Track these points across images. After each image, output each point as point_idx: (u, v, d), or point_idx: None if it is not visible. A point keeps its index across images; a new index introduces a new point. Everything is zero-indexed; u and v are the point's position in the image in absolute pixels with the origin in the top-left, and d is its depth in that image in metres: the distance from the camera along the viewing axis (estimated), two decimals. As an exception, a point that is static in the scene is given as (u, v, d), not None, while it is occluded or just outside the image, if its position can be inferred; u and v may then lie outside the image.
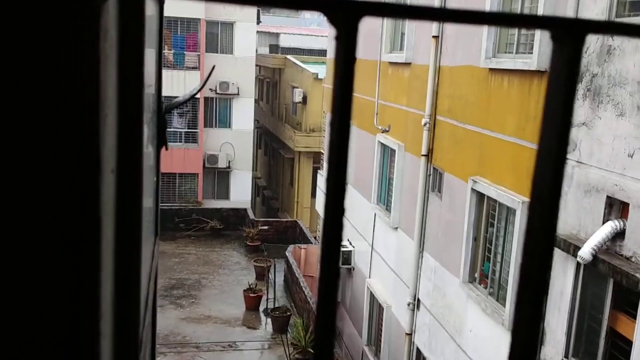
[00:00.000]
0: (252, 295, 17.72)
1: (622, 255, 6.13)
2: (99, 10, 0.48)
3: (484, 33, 8.73)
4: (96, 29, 0.48)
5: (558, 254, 7.00)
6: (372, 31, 13.55)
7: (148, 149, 1.39)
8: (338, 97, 0.39)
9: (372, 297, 13.38)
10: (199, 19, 25.48)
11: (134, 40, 0.73)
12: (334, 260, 0.43)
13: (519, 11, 8.23)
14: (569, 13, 6.90)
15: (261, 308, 17.79)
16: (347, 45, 0.39)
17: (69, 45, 0.47)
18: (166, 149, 1.65)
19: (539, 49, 7.44)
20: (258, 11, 27.67)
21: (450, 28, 10.05)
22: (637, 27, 0.47)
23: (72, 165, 0.49)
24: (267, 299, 17.56)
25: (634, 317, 5.99)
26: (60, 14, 0.46)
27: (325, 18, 0.40)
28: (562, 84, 0.45)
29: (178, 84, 24.79)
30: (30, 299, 0.51)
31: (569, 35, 0.45)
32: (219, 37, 26.45)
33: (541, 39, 7.41)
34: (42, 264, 0.51)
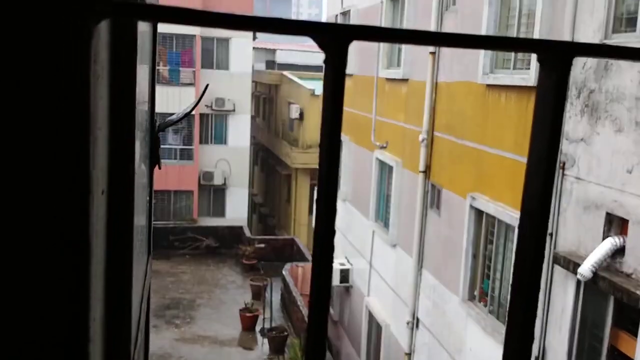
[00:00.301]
0: (248, 315, 17.56)
1: (622, 272, 6.07)
2: (91, 33, 0.48)
3: (481, 49, 8.73)
4: (87, 52, 0.48)
5: (558, 271, 6.94)
6: (368, 47, 13.58)
7: (141, 168, 1.35)
8: (328, 118, 0.38)
9: (371, 316, 13.25)
10: (195, 35, 25.57)
11: (126, 62, 0.74)
12: (326, 279, 0.43)
13: (515, 28, 8.24)
14: (566, 30, 6.91)
15: (257, 328, 17.62)
16: (336, 69, 0.38)
17: (60, 67, 0.47)
18: (159, 167, 1.59)
19: (537, 65, 7.42)
20: (254, 29, 27.80)
21: (447, 44, 10.06)
22: (623, 50, 0.48)
23: (62, 187, 0.50)
24: (263, 319, 17.40)
25: (635, 335, 5.91)
26: (52, 37, 0.46)
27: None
28: (550, 106, 0.45)
29: (173, 100, 24.80)
30: (18, 322, 0.52)
31: (556, 58, 0.45)
32: (214, 53, 26.54)
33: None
34: (30, 284, 0.51)
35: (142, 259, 1.52)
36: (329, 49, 0.37)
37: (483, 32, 8.69)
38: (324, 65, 0.38)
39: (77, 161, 0.49)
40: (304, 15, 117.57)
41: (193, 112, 25.18)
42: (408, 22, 11.48)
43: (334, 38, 0.37)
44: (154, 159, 1.61)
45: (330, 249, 0.43)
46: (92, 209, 0.52)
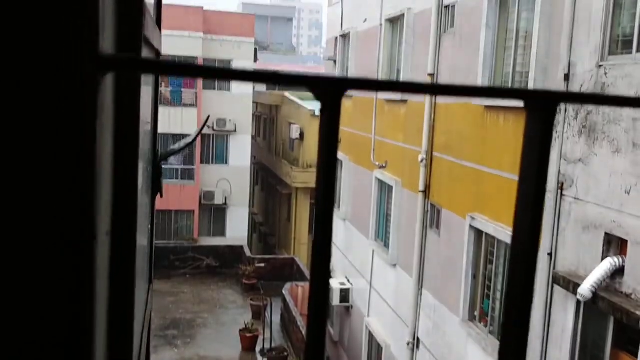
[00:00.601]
0: (248, 335, 17.46)
1: (622, 292, 6.07)
2: (98, 86, 0.50)
3: (479, 71, 8.83)
4: (94, 103, 0.50)
5: (558, 291, 6.94)
6: (368, 67, 13.71)
7: (143, 197, 1.38)
8: (323, 163, 0.41)
9: (371, 336, 13.19)
10: (197, 57, 25.78)
11: (129, 109, 0.76)
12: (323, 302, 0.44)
13: (513, 50, 8.33)
14: (563, 51, 6.99)
15: (257, 348, 17.50)
16: (331, 117, 0.41)
17: (68, 118, 0.49)
18: (161, 196, 1.63)
19: (534, 86, 7.50)
20: (255, 49, 28.04)
21: (446, 65, 10.16)
22: (606, 97, 0.52)
23: (69, 231, 0.51)
24: (263, 339, 17.30)
25: (636, 355, 5.90)
26: (60, 89, 0.48)
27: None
28: (537, 149, 0.48)
29: (175, 121, 24.92)
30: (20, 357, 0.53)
31: (541, 105, 0.48)
32: (216, 75, 26.71)
33: (536, 77, 7.49)
34: (36, 323, 0.52)
35: (143, 287, 1.54)
36: (324, 99, 0.40)
37: (481, 53, 8.79)
38: (320, 114, 0.42)
39: (83, 208, 0.51)
40: (305, 37, 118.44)
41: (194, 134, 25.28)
42: (407, 45, 11.61)
43: (329, 89, 0.40)
44: (156, 188, 1.64)
45: (327, 274, 0.45)
46: (96, 251, 0.54)
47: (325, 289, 0.44)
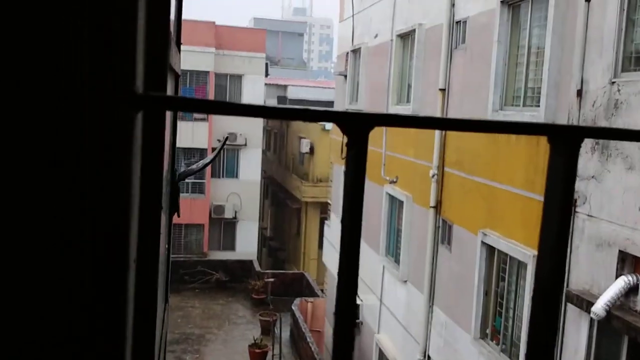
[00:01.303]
0: (257, 350, 17.38)
1: (636, 311, 5.99)
2: (134, 123, 0.52)
3: (491, 85, 8.81)
4: (130, 139, 0.51)
5: (571, 309, 6.85)
6: (379, 83, 13.73)
7: (162, 218, 1.39)
8: (350, 196, 0.40)
9: (381, 353, 13.08)
10: (208, 72, 25.96)
11: (156, 142, 0.77)
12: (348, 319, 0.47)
13: (524, 66, 8.32)
14: (575, 69, 6.96)
15: (267, 363, 17.40)
16: (359, 152, 0.42)
17: (107, 155, 0.50)
18: (178, 215, 1.62)
19: (546, 102, 7.47)
20: (266, 64, 28.21)
21: (457, 81, 10.16)
22: (629, 132, 0.52)
23: (102, 260, 0.53)
24: (272, 355, 17.21)
25: (652, 376, 5.80)
26: (98, 126, 0.49)
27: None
28: (560, 185, 0.47)
29: (186, 135, 25.05)
30: None
31: (565, 141, 0.47)
32: (227, 89, 26.89)
33: (548, 93, 7.46)
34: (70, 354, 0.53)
35: (161, 307, 1.54)
36: (351, 134, 0.41)
37: (492, 69, 8.78)
38: (347, 148, 0.42)
39: (117, 239, 0.53)
40: (315, 52, 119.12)
41: (205, 147, 25.41)
42: (418, 60, 11.63)
43: (357, 125, 0.41)
44: (173, 208, 1.64)
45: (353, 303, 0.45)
46: (128, 279, 0.56)
47: (351, 329, 0.43)
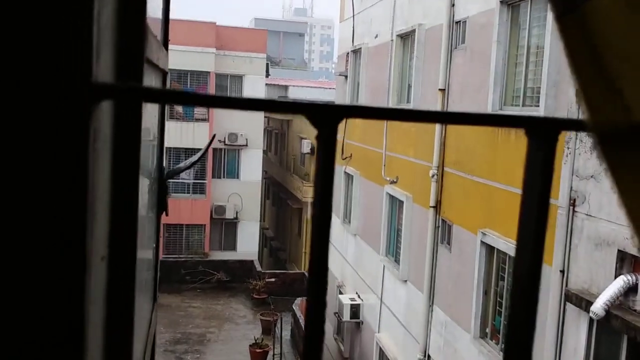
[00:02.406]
0: (258, 350, 17.39)
1: (635, 310, 6.00)
2: (91, 114, 0.50)
3: (490, 85, 8.82)
4: (86, 132, 0.49)
5: (570, 309, 6.86)
6: (379, 83, 13.75)
7: (147, 216, 1.38)
8: (319, 191, 0.40)
9: (382, 353, 13.09)
10: (209, 72, 25.98)
11: (130, 133, 0.75)
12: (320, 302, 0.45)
13: (524, 65, 8.33)
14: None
15: (267, 363, 17.42)
16: (327, 144, 0.42)
17: (57, 145, 0.49)
18: (166, 214, 1.63)
19: (546, 101, 7.48)
20: (267, 64, 28.22)
21: (456, 81, 10.17)
22: None
23: (57, 256, 0.51)
24: (273, 355, 17.22)
25: (651, 375, 5.81)
26: (49, 116, 0.48)
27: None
28: (539, 178, 0.47)
29: (187, 135, 25.08)
30: None
31: (542, 133, 0.47)
32: (228, 90, 26.90)
33: (547, 93, 7.47)
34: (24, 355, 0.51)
35: (147, 306, 1.54)
36: (321, 126, 0.41)
37: (492, 69, 8.79)
38: (316, 140, 0.43)
39: (74, 233, 0.51)
40: (316, 53, 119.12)
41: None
42: (418, 60, 11.64)
43: (325, 117, 0.41)
44: (161, 207, 1.64)
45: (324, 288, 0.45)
46: (88, 279, 0.54)
47: (321, 315, 0.44)
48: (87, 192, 0.50)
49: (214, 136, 3.16)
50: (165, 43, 1.74)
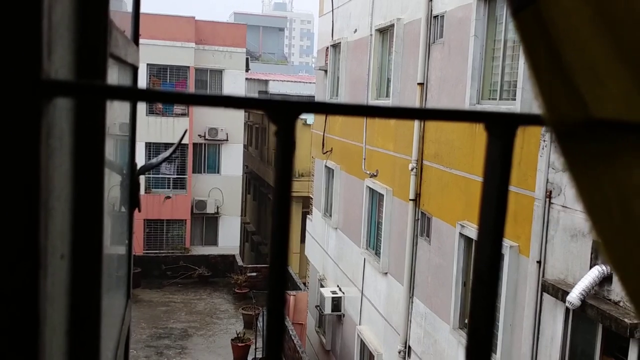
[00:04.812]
0: (240, 344, 17.40)
1: (610, 300, 6.12)
2: (41, 110, 0.49)
3: (468, 79, 8.90)
4: (37, 129, 0.48)
5: (547, 299, 6.98)
6: (359, 77, 13.78)
7: (120, 212, 1.38)
8: (278, 185, 0.42)
9: (363, 345, 13.18)
10: (188, 67, 25.80)
11: (92, 128, 0.74)
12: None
13: (501, 59, 8.41)
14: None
15: (250, 358, 17.44)
16: (286, 139, 0.42)
17: (7, 143, 0.48)
18: (139, 210, 1.64)
19: (522, 95, 7.58)
20: (247, 59, 28.10)
21: (435, 75, 10.24)
22: None
23: (8, 259, 0.50)
24: (255, 349, 17.24)
25: (625, 362, 5.93)
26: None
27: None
28: (498, 171, 0.48)
29: (167, 130, 24.90)
30: None
31: (501, 128, 0.48)
32: (207, 84, 26.74)
33: (523, 87, 7.56)
34: None
35: (120, 303, 1.53)
36: (279, 121, 0.42)
37: (469, 63, 8.87)
38: (274, 136, 0.44)
39: (26, 229, 0.49)
40: (296, 47, 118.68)
41: (187, 142, 25.29)
42: (397, 54, 11.69)
43: (283, 113, 0.42)
44: (133, 203, 1.64)
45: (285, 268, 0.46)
46: (44, 277, 0.52)
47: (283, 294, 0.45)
48: (39, 188, 0.49)
49: (185, 131, 3.17)
50: (136, 38, 1.74)
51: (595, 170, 0.47)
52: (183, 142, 25.17)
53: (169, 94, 0.40)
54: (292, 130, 0.43)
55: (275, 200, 0.43)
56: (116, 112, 1.25)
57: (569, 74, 0.46)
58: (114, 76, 1.15)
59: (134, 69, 1.63)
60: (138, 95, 0.40)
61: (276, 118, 0.42)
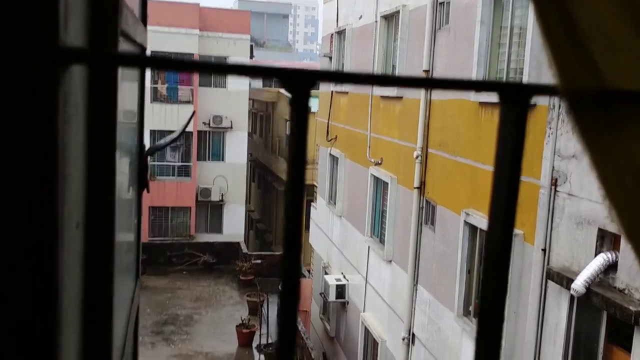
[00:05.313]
0: (245, 330, 17.49)
1: (615, 287, 6.11)
2: (58, 79, 0.49)
3: (474, 67, 8.85)
4: (54, 97, 0.49)
5: (552, 286, 6.98)
6: (364, 64, 13.72)
7: (129, 192, 1.38)
8: (293, 154, 0.41)
9: (367, 332, 13.23)
10: (193, 54, 25.73)
11: (105, 99, 0.74)
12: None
13: (507, 46, 8.36)
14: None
15: (254, 344, 17.54)
16: (300, 109, 0.42)
17: (25, 113, 0.48)
18: (147, 191, 1.64)
19: (528, 81, 7.52)
20: (251, 46, 28.00)
21: (441, 62, 10.19)
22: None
23: (28, 225, 0.50)
24: (260, 335, 17.34)
25: (629, 350, 5.94)
26: (17, 81, 0.48)
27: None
28: (511, 142, 0.47)
29: (172, 117, 24.90)
30: None
31: (515, 98, 0.47)
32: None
33: (529, 73, 7.51)
34: None
35: (129, 283, 1.54)
36: (293, 90, 0.42)
37: (475, 50, 8.81)
38: (289, 106, 0.44)
39: (44, 197, 0.50)
40: (301, 34, 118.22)
41: (191, 130, 25.28)
42: (402, 41, 11.62)
43: (298, 81, 0.41)
44: (142, 183, 1.65)
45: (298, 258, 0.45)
46: (61, 245, 0.53)
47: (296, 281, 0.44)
48: (57, 154, 0.50)
49: (193, 113, 3.16)
50: (144, 19, 1.73)
51: (607, 139, 0.47)
52: (187, 129, 25.17)
53: (180, 61, 0.40)
54: (307, 99, 0.42)
55: (290, 170, 0.42)
56: (125, 97, 1.24)
57: (584, 45, 0.46)
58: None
59: (142, 49, 1.62)
60: (149, 62, 0.40)
61: (291, 87, 0.42)
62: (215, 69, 0.40)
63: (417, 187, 10.69)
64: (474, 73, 8.84)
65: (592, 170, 0.49)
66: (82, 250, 0.69)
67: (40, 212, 0.50)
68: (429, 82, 0.48)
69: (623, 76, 0.45)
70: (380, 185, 12.89)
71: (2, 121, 0.48)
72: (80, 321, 0.70)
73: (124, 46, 1.12)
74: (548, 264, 7.08)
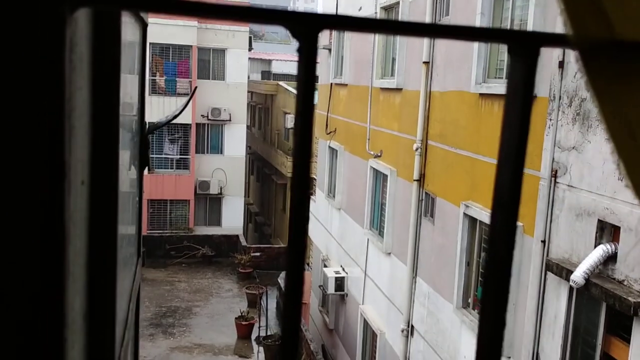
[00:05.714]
0: (244, 323, 17.53)
1: (614, 278, 6.12)
2: (64, 22, 0.48)
3: (474, 59, 8.83)
4: (61, 40, 0.48)
5: (551, 277, 6.99)
6: (363, 56, 13.69)
7: (131, 170, 1.37)
8: (300, 104, 0.40)
9: (366, 324, 13.26)
10: (191, 46, 25.65)
11: (108, 54, 0.73)
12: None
13: (509, 19, 8.32)
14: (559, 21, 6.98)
15: (253, 336, 17.58)
16: (308, 55, 0.40)
17: (32, 55, 0.47)
18: (149, 169, 1.63)
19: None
20: (250, 38, 27.91)
21: (441, 54, 10.16)
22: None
23: (35, 173, 0.49)
24: (259, 327, 17.37)
25: (628, 341, 5.95)
26: (23, 24, 0.47)
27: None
28: (520, 95, 0.46)
29: (170, 110, 24.81)
30: None
31: (524, 48, 0.46)
32: (210, 64, 26.62)
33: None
34: (1, 276, 0.50)
35: (131, 260, 1.54)
36: (301, 36, 0.40)
37: (476, 42, 8.78)
38: (297, 53, 0.42)
39: (52, 147, 0.49)
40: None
41: (190, 122, 25.22)
42: (402, 32, 11.58)
43: (306, 26, 0.40)
44: (143, 161, 1.64)
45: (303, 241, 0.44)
46: (67, 196, 0.52)
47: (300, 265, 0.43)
48: (64, 98, 0.49)
49: (195, 88, 3.14)
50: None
51: (617, 88, 0.46)
52: (186, 122, 25.13)
53: (184, 2, 0.38)
54: (314, 44, 0.41)
55: (297, 123, 0.41)
56: (127, 87, 1.23)
57: None
58: (128, 28, 1.13)
59: (144, 26, 1.61)
60: (154, 4, 0.39)
61: (298, 32, 0.40)
62: (217, 12, 0.39)
63: (417, 180, 10.68)
64: (474, 65, 8.82)
65: (601, 123, 0.48)
66: (87, 205, 0.69)
67: (48, 157, 0.49)
68: (434, 29, 0.47)
69: (632, 27, 0.44)
70: (379, 178, 12.88)
71: (9, 62, 0.47)
72: (84, 275, 0.69)
73: (126, 20, 1.10)
74: (547, 255, 7.09)
